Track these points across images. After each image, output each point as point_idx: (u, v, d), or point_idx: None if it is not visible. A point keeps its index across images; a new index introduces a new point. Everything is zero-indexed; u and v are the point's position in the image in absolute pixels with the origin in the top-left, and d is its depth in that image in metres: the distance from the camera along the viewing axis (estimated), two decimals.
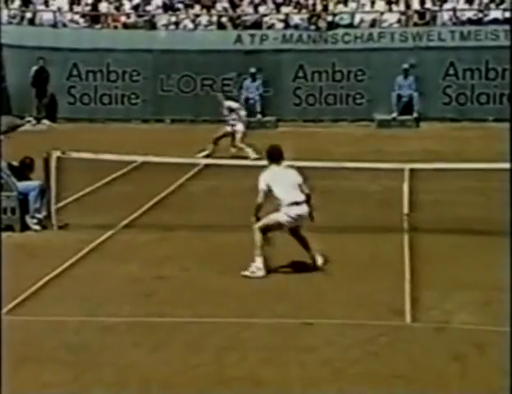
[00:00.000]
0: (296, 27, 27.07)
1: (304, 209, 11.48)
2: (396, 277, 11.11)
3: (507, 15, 26.37)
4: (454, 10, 26.97)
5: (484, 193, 15.56)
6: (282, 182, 11.46)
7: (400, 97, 25.60)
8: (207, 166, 16.93)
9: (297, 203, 11.40)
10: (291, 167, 11.90)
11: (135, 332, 9.43)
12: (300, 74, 26.43)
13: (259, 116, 25.76)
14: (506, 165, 14.58)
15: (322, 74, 26.40)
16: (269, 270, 11.30)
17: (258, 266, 11.22)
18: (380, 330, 9.35)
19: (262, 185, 11.40)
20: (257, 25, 27.38)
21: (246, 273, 11.18)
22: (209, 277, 11.11)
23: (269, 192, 11.36)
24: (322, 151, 18.98)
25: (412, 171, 15.48)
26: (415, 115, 25.47)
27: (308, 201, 11.56)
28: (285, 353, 8.82)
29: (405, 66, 25.40)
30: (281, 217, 11.37)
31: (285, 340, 9.16)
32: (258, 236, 11.27)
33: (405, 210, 14.32)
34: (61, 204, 14.33)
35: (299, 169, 14.81)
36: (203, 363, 8.55)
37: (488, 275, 11.24)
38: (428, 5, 27.30)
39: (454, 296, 10.43)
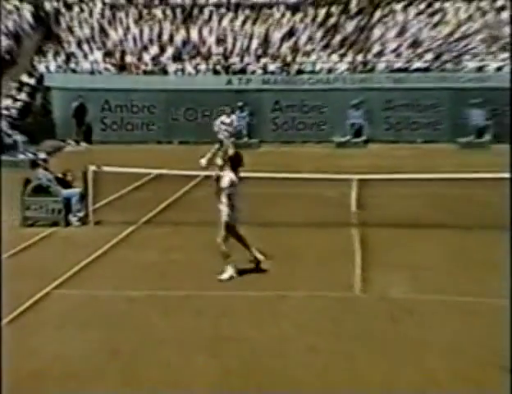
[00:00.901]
0: (273, 73, 27.18)
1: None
2: (348, 261, 11.13)
3: (426, 64, 26.57)
4: (388, 61, 27.12)
5: (415, 197, 15.54)
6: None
7: (352, 124, 25.65)
8: (206, 176, 16.89)
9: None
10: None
11: (152, 302, 9.43)
12: (277, 107, 26.46)
13: (246, 138, 25.78)
14: (431, 175, 14.72)
15: (294, 107, 26.42)
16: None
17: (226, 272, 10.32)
18: (336, 300, 9.40)
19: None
20: (243, 71, 27.48)
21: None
22: (208, 261, 11.05)
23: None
24: (293, 166, 18.99)
25: (360, 180, 15.50)
26: (364, 138, 25.48)
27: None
28: (265, 318, 8.85)
29: (354, 101, 25.47)
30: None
31: (265, 308, 9.19)
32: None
33: (354, 209, 14.36)
34: (96, 206, 14.29)
35: (277, 179, 15.06)
36: (204, 326, 8.58)
37: (417, 258, 11.28)
38: (369, 57, 27.45)
39: (392, 274, 10.45)
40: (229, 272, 10.28)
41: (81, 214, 13.83)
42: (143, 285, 10.14)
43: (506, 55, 26.37)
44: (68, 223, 13.75)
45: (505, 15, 27.89)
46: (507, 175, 15.47)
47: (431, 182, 14.77)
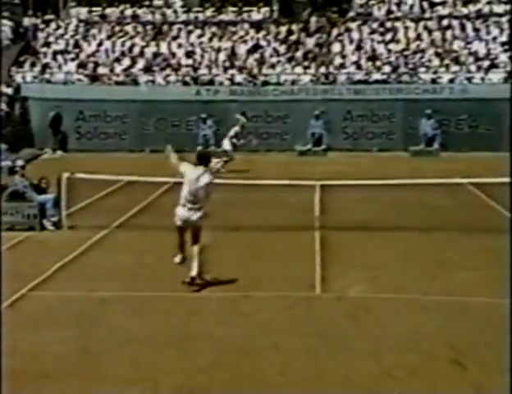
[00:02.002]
0: (239, 84, 27.13)
1: (189, 214, 9.62)
2: (310, 262, 11.10)
3: (384, 77, 26.78)
4: (348, 73, 27.27)
5: (372, 201, 15.60)
6: (190, 185, 9.64)
7: (313, 134, 25.70)
8: (175, 183, 16.78)
9: (188, 208, 9.62)
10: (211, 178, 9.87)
11: (123, 302, 9.32)
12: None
13: (213, 147, 25.65)
14: (386, 181, 14.80)
15: (259, 118, 26.37)
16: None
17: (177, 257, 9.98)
18: (298, 299, 9.36)
19: (182, 168, 9.86)
20: (211, 82, 27.39)
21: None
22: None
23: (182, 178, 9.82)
24: (259, 173, 18.96)
25: (322, 186, 15.52)
26: (324, 147, 25.54)
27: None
28: (230, 317, 8.79)
29: (316, 112, 25.49)
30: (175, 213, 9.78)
31: (231, 308, 9.13)
32: None
33: (316, 214, 14.37)
34: (70, 211, 14.09)
35: (244, 186, 15.03)
36: (173, 325, 8.49)
37: (374, 259, 11.30)
38: (331, 69, 27.57)
39: (351, 274, 10.45)
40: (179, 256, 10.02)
41: (55, 219, 13.63)
42: (115, 286, 10.02)
43: (457, 68, 26.71)
44: (43, 228, 13.53)
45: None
46: (454, 180, 15.72)
47: (386, 187, 14.83)
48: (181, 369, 7.23)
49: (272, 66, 27.84)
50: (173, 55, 28.71)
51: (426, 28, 28.74)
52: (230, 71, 27.79)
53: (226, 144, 21.64)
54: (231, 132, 21.87)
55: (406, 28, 28.78)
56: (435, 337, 8.02)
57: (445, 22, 28.88)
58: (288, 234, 13.04)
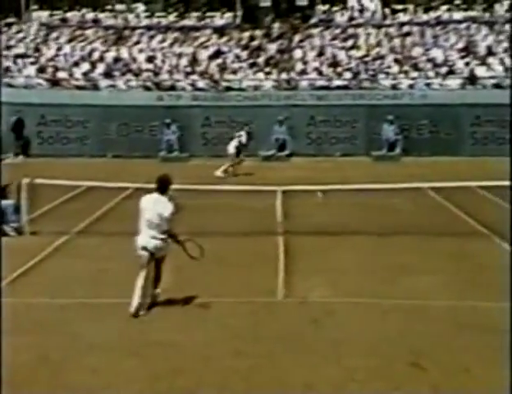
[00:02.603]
0: (202, 89, 27.08)
1: (152, 243, 8.94)
2: (273, 267, 11.08)
3: (345, 83, 26.99)
4: (310, 79, 27.42)
5: (335, 206, 15.64)
6: (149, 212, 8.97)
7: (277, 139, 25.77)
8: (137, 189, 16.67)
9: (149, 236, 8.96)
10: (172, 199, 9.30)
11: (84, 309, 9.21)
12: (206, 123, 26.35)
13: (176, 152, 25.60)
14: (349, 186, 14.89)
15: (222, 123, 26.35)
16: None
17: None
18: (260, 305, 9.34)
19: (139, 205, 9.16)
20: (173, 87, 27.29)
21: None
22: (136, 270, 10.90)
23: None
24: (224, 179, 18.92)
25: (285, 191, 15.53)
26: (288, 152, 25.63)
27: (170, 236, 9.01)
28: (192, 323, 8.73)
29: (280, 118, 25.57)
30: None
31: (193, 314, 9.05)
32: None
33: (279, 219, 14.38)
34: (31, 217, 13.89)
35: (208, 192, 14.96)
36: (133, 331, 8.41)
37: (336, 263, 11.33)
38: (293, 75, 27.70)
39: (313, 279, 10.47)
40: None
41: (16, 225, 13.42)
42: (75, 293, 9.90)
43: (416, 74, 27.06)
44: (4, 234, 13.30)
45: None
46: (415, 184, 15.91)
47: (348, 192, 14.92)
48: (142, 377, 7.17)
49: (234, 72, 27.86)
50: (134, 60, 28.56)
51: (386, 34, 29.08)
52: (192, 77, 27.72)
53: (231, 148, 21.79)
54: (237, 141, 21.97)
55: (367, 34, 29.09)
56: (395, 340, 8.08)
57: (405, 29, 29.26)
58: (251, 239, 13.01)
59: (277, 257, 11.75)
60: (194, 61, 28.47)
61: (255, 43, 29.24)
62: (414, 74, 27.13)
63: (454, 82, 26.66)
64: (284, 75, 27.65)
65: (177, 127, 25.70)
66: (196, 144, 26.17)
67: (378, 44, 28.53)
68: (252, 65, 28.18)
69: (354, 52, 28.33)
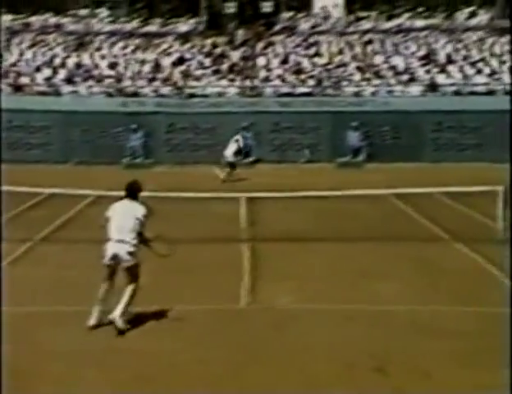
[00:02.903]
0: (165, 96, 27.01)
1: (124, 249, 8.51)
2: (237, 274, 11.05)
3: (309, 90, 27.15)
4: (274, 86, 27.54)
5: (299, 212, 15.72)
6: (119, 218, 8.62)
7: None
8: (100, 196, 16.54)
9: (119, 241, 8.54)
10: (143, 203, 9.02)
11: (45, 317, 9.10)
12: (171, 129, 26.30)
13: (140, 159, 25.49)
14: (313, 193, 14.97)
15: (187, 129, 26.33)
16: None
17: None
18: (225, 312, 9.31)
19: (106, 214, 8.79)
20: (135, 94, 27.17)
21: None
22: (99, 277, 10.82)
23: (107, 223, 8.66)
24: (187, 186, 18.75)
25: (249, 198, 15.55)
26: (252, 158, 25.70)
27: (142, 241, 8.70)
28: (155, 331, 8.67)
29: (244, 124, 25.66)
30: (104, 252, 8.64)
31: (156, 322, 8.98)
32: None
33: (243, 225, 14.38)
34: None
35: (171, 199, 14.88)
36: (96, 339, 8.33)
37: (301, 270, 11.37)
38: (256, 82, 27.79)
39: (277, 285, 10.47)
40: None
41: None
42: (37, 301, 9.79)
43: (379, 81, 27.37)
44: None
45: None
46: (378, 191, 16.08)
47: (312, 198, 15.01)
48: (103, 384, 7.10)
49: (198, 79, 27.84)
50: (96, 66, 28.37)
51: (348, 43, 29.36)
52: (155, 83, 27.64)
53: (229, 156, 22.06)
54: (234, 147, 22.18)
55: (329, 42, 29.33)
56: (359, 346, 8.14)
57: (366, 37, 29.59)
58: (216, 246, 12.99)
59: (242, 263, 11.74)
60: (157, 67, 28.39)
61: (219, 50, 29.29)
62: (377, 81, 27.45)
63: (415, 89, 27.04)
64: (248, 82, 27.74)
65: (141, 134, 25.61)
66: (160, 150, 26.11)
67: (340, 52, 28.78)
68: (215, 72, 28.21)
69: (317, 60, 28.54)
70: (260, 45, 29.41)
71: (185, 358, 7.82)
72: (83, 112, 25.55)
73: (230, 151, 22.03)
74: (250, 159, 25.59)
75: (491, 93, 26.71)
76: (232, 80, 27.81)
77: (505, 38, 29.03)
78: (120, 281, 8.83)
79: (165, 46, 29.48)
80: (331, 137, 25.98)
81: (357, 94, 26.96)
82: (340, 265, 11.71)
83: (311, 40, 29.52)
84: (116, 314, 8.44)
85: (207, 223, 14.93)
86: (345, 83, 27.46)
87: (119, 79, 27.85)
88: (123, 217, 8.62)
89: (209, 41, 29.59)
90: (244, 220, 15.04)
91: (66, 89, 27.04)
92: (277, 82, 27.73)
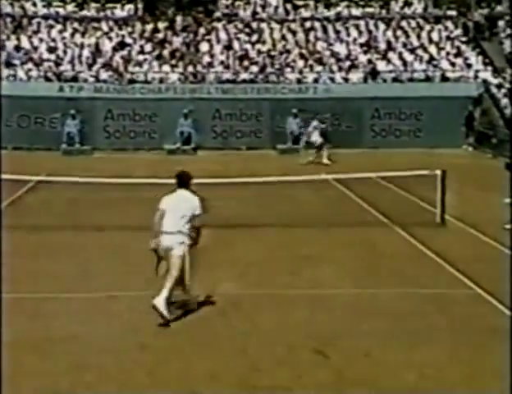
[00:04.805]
0: (105, 81, 26.60)
1: (173, 240, 8.52)
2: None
3: (252, 76, 27.18)
4: (216, 72, 27.44)
5: (240, 198, 15.62)
6: (173, 209, 8.59)
7: (182, 133, 25.67)
8: (39, 182, 16.24)
9: (170, 233, 8.53)
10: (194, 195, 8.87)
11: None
12: (109, 116, 25.94)
13: (78, 145, 25.10)
14: (254, 179, 15.00)
15: (126, 116, 26.03)
16: None
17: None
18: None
19: (160, 206, 8.71)
20: (75, 78, 26.66)
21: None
22: (41, 264, 10.66)
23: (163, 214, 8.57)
24: (126, 172, 18.60)
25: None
26: (193, 145, 25.59)
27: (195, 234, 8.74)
28: (96, 318, 8.63)
29: (185, 111, 25.50)
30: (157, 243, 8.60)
31: (96, 308, 8.94)
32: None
33: None
34: None
35: (109, 184, 14.67)
36: (36, 327, 8.26)
37: (242, 255, 11.43)
38: (199, 68, 27.63)
39: (220, 272, 10.48)
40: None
41: None
42: None
43: (321, 68, 27.57)
44: None
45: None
46: (319, 177, 16.26)
47: (253, 185, 15.04)
48: (43, 372, 7.03)
49: (139, 64, 27.49)
50: (35, 49, 27.71)
51: (290, 29, 29.45)
52: (95, 68, 27.18)
53: (316, 136, 22.86)
54: (318, 130, 22.99)
55: (271, 29, 29.37)
56: (300, 329, 8.25)
57: (308, 24, 29.73)
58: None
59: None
60: (97, 52, 27.89)
61: (160, 35, 28.96)
62: (319, 68, 27.64)
63: (356, 76, 27.35)
64: (190, 68, 27.54)
65: (79, 119, 25.18)
66: (99, 136, 25.75)
67: (283, 39, 28.85)
68: (157, 57, 27.90)
69: (260, 47, 28.53)
70: (202, 31, 29.21)
71: (126, 344, 7.79)
72: (20, 96, 24.94)
73: (315, 136, 22.84)
74: (190, 146, 25.47)
75: (428, 79, 27.24)
76: (174, 66, 27.56)
77: (441, 26, 29.65)
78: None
79: (105, 30, 28.96)
80: (272, 124, 26.10)
81: (299, 81, 27.10)
82: (282, 251, 11.82)
83: (253, 27, 29.47)
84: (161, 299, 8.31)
85: (146, 210, 14.70)
86: (288, 69, 27.56)
87: (58, 63, 27.24)
88: (178, 209, 8.54)
89: (149, 27, 29.22)
90: None
91: (5, 72, 26.30)
92: (220, 68, 27.61)
